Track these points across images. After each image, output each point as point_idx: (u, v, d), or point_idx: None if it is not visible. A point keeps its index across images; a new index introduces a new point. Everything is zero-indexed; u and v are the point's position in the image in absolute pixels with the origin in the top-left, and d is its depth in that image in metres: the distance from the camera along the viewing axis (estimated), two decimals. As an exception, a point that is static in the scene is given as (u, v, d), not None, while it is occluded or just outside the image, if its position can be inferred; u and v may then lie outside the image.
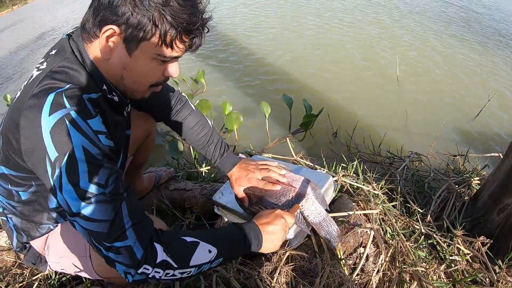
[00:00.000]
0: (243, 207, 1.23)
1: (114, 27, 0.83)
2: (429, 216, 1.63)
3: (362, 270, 1.20)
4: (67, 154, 0.78)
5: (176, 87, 1.49)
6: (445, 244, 1.43)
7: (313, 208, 1.12)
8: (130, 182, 1.65)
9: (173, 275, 0.87)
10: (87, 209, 0.80)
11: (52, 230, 1.14)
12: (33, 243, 1.16)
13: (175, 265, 0.86)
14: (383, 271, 1.23)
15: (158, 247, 0.84)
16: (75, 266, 1.15)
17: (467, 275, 1.34)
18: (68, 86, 0.84)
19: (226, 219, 1.41)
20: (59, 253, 1.15)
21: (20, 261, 1.52)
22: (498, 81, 3.79)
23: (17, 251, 1.20)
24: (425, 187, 1.90)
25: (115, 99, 0.98)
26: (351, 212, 1.28)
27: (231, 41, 5.19)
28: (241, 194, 1.24)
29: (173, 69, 0.95)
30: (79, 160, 0.79)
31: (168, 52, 0.88)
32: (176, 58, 0.93)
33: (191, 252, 0.88)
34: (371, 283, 1.18)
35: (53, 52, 0.93)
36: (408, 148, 2.45)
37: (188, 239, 0.90)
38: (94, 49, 0.90)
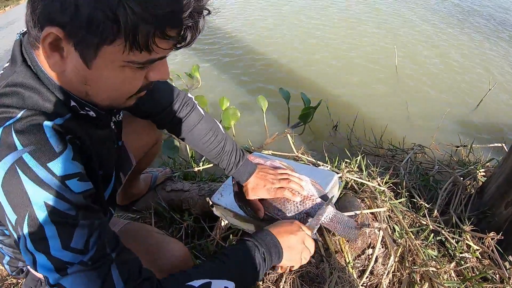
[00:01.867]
0: (246, 211, 1.16)
1: (56, 29, 0.57)
2: (435, 211, 1.57)
3: (371, 272, 1.14)
4: (27, 217, 0.59)
5: (171, 83, 1.27)
6: (454, 240, 1.38)
7: (321, 210, 1.06)
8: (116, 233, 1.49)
9: None
10: (66, 282, 0.62)
11: None
12: (31, 269, 1.00)
13: None
14: (392, 272, 1.17)
15: None
16: None
17: (477, 272, 1.29)
18: (20, 114, 0.62)
19: (225, 221, 1.35)
20: None
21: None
22: (498, 71, 3.74)
23: (13, 275, 1.03)
24: (430, 180, 1.84)
25: (91, 114, 0.73)
26: (358, 212, 1.22)
27: (226, 34, 5.09)
28: (256, 203, 1.13)
29: (161, 71, 0.70)
30: (44, 223, 0.59)
31: (144, 56, 0.62)
32: (160, 59, 0.67)
33: None
34: (381, 286, 1.12)
35: (7, 64, 0.70)
36: (410, 140, 2.40)
37: (196, 283, 0.73)
38: (43, 58, 0.64)
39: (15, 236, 0.62)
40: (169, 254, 0.96)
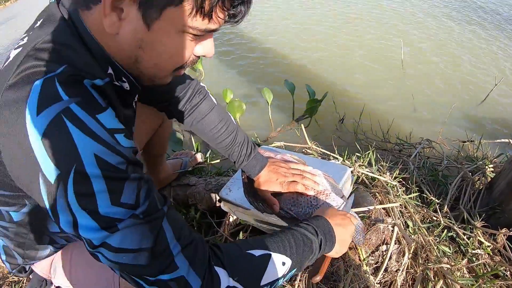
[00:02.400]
0: (257, 206, 1.13)
1: None
2: (446, 207, 1.54)
3: (385, 269, 1.11)
4: (73, 171, 0.53)
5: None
6: (466, 236, 1.35)
7: (334, 204, 1.03)
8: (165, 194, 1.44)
9: None
10: (114, 239, 0.57)
11: (56, 251, 0.93)
12: (36, 268, 0.96)
13: None
14: (406, 269, 1.15)
15: (221, 272, 0.65)
16: None
17: (488, 269, 1.27)
18: (61, 68, 0.57)
19: (234, 217, 1.32)
20: (73, 280, 0.95)
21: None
22: (504, 66, 3.70)
23: (13, 273, 0.96)
24: (439, 175, 1.81)
25: (125, 87, 0.72)
26: (371, 207, 1.19)
27: (230, 27, 5.05)
28: (270, 197, 1.08)
29: (208, 46, 0.70)
30: (93, 177, 0.54)
31: (203, 24, 0.62)
32: (212, 32, 0.67)
33: (263, 270, 0.70)
34: (396, 284, 1.09)
35: (38, 23, 0.65)
36: (416, 135, 2.37)
37: (257, 252, 0.70)
38: (94, 19, 0.62)
39: (47, 201, 0.56)
40: None
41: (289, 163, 1.14)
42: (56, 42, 0.60)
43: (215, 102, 1.12)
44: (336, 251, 0.88)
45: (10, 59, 0.62)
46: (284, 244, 0.75)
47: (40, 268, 0.96)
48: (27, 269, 0.97)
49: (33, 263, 0.94)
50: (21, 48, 0.62)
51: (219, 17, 0.63)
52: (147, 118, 1.17)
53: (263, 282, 0.69)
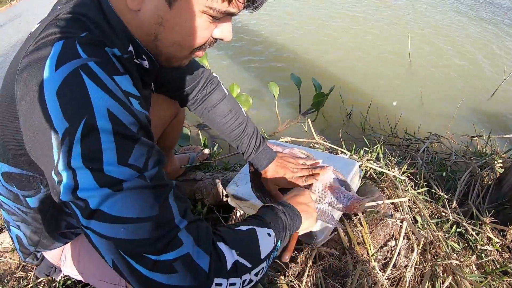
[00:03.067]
0: (264, 201, 1.12)
1: None
2: (454, 202, 1.53)
3: (394, 265, 1.10)
4: (83, 123, 0.50)
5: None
6: (474, 232, 1.34)
7: (342, 196, 1.02)
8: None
9: (250, 280, 0.64)
10: (115, 203, 0.52)
11: (71, 240, 0.93)
12: (47, 254, 0.95)
13: (249, 265, 0.63)
14: (415, 265, 1.14)
15: (223, 247, 0.61)
16: None
17: (497, 266, 1.25)
18: (83, 34, 0.58)
19: (241, 211, 1.31)
20: (81, 269, 0.95)
21: (24, 263, 1.42)
22: (513, 60, 3.65)
23: (26, 261, 0.97)
24: (447, 170, 1.80)
25: (145, 65, 0.72)
26: (380, 202, 1.18)
27: (235, 22, 5.02)
28: (277, 193, 1.08)
29: (226, 30, 0.70)
30: (103, 131, 0.51)
31: (224, 6, 0.63)
32: (231, 15, 0.68)
33: (256, 241, 0.68)
34: (404, 279, 1.08)
35: (63, 2, 0.67)
36: (424, 129, 2.35)
37: (243, 227, 0.69)
38: None
39: (55, 156, 0.52)
40: None
41: (298, 158, 1.13)
42: (79, 13, 0.61)
43: (227, 93, 1.13)
44: (306, 216, 0.88)
45: (33, 30, 0.63)
46: (261, 219, 0.75)
47: (51, 255, 0.97)
48: (38, 256, 0.97)
49: (45, 250, 0.95)
50: (44, 21, 0.62)
51: (239, 0, 0.64)
52: (163, 109, 1.16)
53: (262, 255, 0.68)
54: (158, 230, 0.53)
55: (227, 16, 0.68)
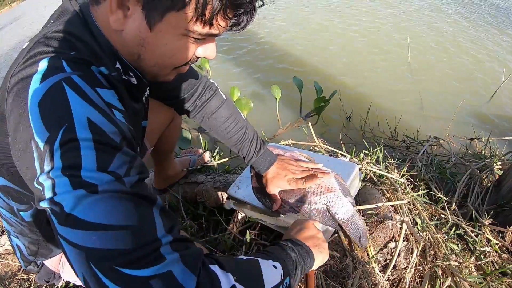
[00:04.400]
0: (265, 204, 1.13)
1: None
2: (454, 204, 1.54)
3: (394, 267, 1.11)
4: (62, 131, 0.49)
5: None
6: (474, 234, 1.35)
7: (341, 204, 1.03)
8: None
9: None
10: (88, 206, 0.47)
11: None
12: (46, 262, 0.97)
13: None
14: (415, 266, 1.15)
15: (218, 270, 0.54)
16: None
17: (496, 267, 1.26)
18: (70, 53, 0.59)
19: (242, 214, 1.32)
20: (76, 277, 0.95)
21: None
22: None
23: (27, 269, 0.98)
24: (447, 173, 1.81)
25: (132, 81, 0.72)
26: (380, 204, 1.19)
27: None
28: (275, 195, 1.09)
29: (210, 49, 0.71)
30: (82, 139, 0.49)
31: (204, 30, 0.62)
32: (214, 36, 0.68)
33: (259, 270, 0.62)
34: (404, 281, 1.09)
35: (52, 19, 0.67)
36: (424, 132, 2.36)
37: (243, 257, 0.65)
38: (102, 15, 0.63)
39: (38, 168, 0.51)
40: None
41: (299, 161, 1.14)
42: (67, 32, 0.62)
43: (225, 98, 1.14)
44: (320, 261, 0.86)
45: (23, 47, 0.63)
46: (266, 252, 0.73)
47: (50, 261, 0.98)
48: (38, 264, 0.98)
49: (48, 264, 0.97)
50: (33, 39, 0.63)
51: (220, 25, 0.64)
52: (159, 114, 1.17)
53: (266, 286, 0.62)
54: (136, 241, 0.47)
55: (210, 36, 0.67)
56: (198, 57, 0.72)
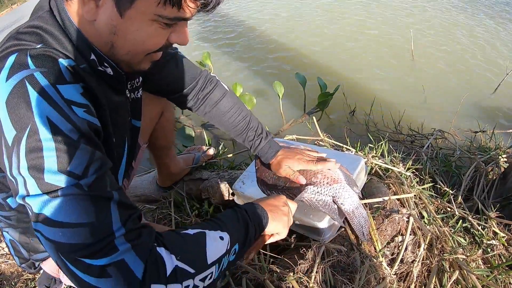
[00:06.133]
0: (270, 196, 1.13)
1: None
2: (460, 197, 1.53)
3: (401, 261, 1.10)
4: (28, 130, 0.55)
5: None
6: (480, 227, 1.34)
7: (347, 195, 1.03)
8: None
9: (195, 286, 0.62)
10: (53, 208, 0.55)
11: None
12: (44, 266, 0.98)
13: (192, 271, 0.62)
14: (422, 260, 1.14)
15: (164, 252, 0.60)
16: None
17: (503, 260, 1.26)
18: (38, 46, 0.63)
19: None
20: None
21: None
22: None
23: (22, 267, 0.98)
24: (452, 166, 1.80)
25: (108, 72, 0.75)
26: (386, 198, 1.18)
27: (238, 21, 5.03)
28: (288, 175, 1.08)
29: (180, 35, 0.72)
30: (43, 139, 0.55)
31: (173, 12, 0.64)
32: (185, 20, 0.69)
33: (203, 246, 0.66)
34: (412, 274, 1.09)
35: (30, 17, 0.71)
36: (428, 125, 2.36)
37: (191, 231, 0.68)
38: (75, 8, 0.66)
39: (7, 163, 0.57)
40: None
41: (304, 150, 1.14)
42: (37, 27, 0.66)
43: (227, 89, 1.15)
44: (275, 218, 0.87)
45: None
46: (215, 222, 0.74)
47: (48, 266, 0.98)
48: (36, 266, 0.98)
49: (40, 258, 0.96)
50: (7, 34, 0.67)
51: (189, 6, 0.65)
52: (146, 108, 1.15)
53: (209, 260, 0.66)
54: (93, 236, 0.55)
55: (181, 21, 0.69)
56: (171, 44, 0.74)
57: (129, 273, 0.55)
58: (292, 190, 1.07)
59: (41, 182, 0.55)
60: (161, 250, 0.60)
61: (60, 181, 0.55)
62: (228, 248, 0.70)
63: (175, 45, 0.81)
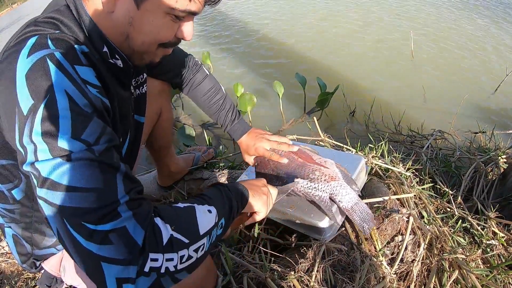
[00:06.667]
0: None
1: None
2: (459, 197, 1.54)
3: (401, 260, 1.11)
4: (46, 100, 0.58)
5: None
6: (480, 227, 1.35)
7: (345, 192, 1.03)
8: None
9: (189, 257, 0.65)
10: (62, 172, 0.57)
11: None
12: (45, 265, 0.98)
13: (186, 240, 0.64)
14: (422, 260, 1.15)
15: (160, 222, 0.62)
16: None
17: (503, 260, 1.26)
18: (56, 32, 0.67)
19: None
20: (83, 277, 0.95)
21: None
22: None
23: (23, 267, 0.98)
24: (451, 166, 1.81)
25: (119, 64, 0.81)
26: (386, 198, 1.19)
27: (236, 21, 5.04)
28: (250, 163, 1.27)
29: (187, 29, 0.79)
30: (61, 108, 0.58)
31: (184, 5, 0.71)
32: (192, 15, 0.77)
33: (194, 217, 0.69)
34: (411, 274, 1.09)
35: (46, 10, 0.76)
36: (428, 126, 2.36)
37: (181, 205, 0.71)
38: (93, 3, 0.73)
39: (19, 133, 0.60)
40: None
41: (271, 135, 1.26)
42: (54, 18, 0.71)
43: (208, 73, 1.32)
44: (256, 195, 0.93)
45: (17, 30, 0.71)
46: (202, 198, 0.77)
47: (49, 265, 0.98)
48: (37, 265, 0.98)
49: (41, 254, 0.96)
50: (26, 23, 0.71)
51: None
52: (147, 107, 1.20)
53: (201, 231, 0.69)
54: (99, 201, 0.57)
55: (189, 15, 0.76)
56: (180, 39, 0.81)
57: (130, 240, 0.57)
58: (288, 182, 1.09)
59: (53, 147, 0.57)
60: (158, 220, 0.62)
61: (73, 146, 0.58)
62: (216, 221, 0.74)
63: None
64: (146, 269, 0.58)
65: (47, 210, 0.58)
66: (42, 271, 1.01)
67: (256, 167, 1.22)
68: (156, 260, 0.59)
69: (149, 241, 0.59)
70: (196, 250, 0.66)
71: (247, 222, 0.99)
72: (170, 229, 0.63)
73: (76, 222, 0.56)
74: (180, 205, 0.71)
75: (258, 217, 0.97)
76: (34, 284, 1.35)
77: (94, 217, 0.56)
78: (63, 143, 0.57)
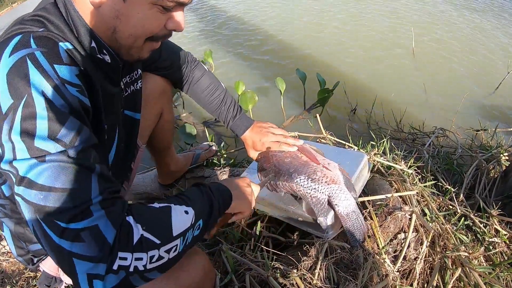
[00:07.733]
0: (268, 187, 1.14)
1: None
2: (461, 195, 1.54)
3: (404, 258, 1.10)
4: (25, 100, 0.59)
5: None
6: (482, 225, 1.34)
7: (343, 197, 1.02)
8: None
9: (160, 257, 0.65)
10: (38, 171, 0.58)
11: None
12: (44, 265, 0.99)
13: (157, 241, 0.64)
14: (424, 257, 1.14)
15: (131, 221, 0.63)
16: None
17: (506, 258, 1.26)
18: (41, 30, 0.68)
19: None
20: None
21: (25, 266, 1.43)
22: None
23: (18, 260, 1.00)
24: (453, 164, 1.80)
25: (106, 60, 0.80)
26: (389, 195, 1.18)
27: (239, 19, 5.03)
28: (255, 158, 1.24)
29: (177, 20, 0.78)
30: (38, 109, 0.60)
31: None
32: (181, 6, 0.76)
33: (168, 218, 0.69)
34: (414, 272, 1.09)
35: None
36: (429, 123, 2.35)
37: (157, 205, 0.71)
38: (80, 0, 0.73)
39: None
40: (192, 267, 0.87)
41: (276, 129, 1.24)
42: (40, 16, 0.72)
43: (206, 69, 1.31)
44: (239, 196, 0.93)
45: (5, 28, 0.72)
46: (181, 198, 0.76)
47: (47, 266, 0.99)
48: (34, 261, 0.99)
49: (35, 249, 0.96)
50: (14, 21, 0.72)
51: None
52: (145, 110, 1.20)
53: (174, 232, 0.68)
54: (72, 201, 0.58)
55: (178, 6, 0.76)
56: (170, 32, 0.81)
57: (101, 238, 0.58)
58: (289, 186, 1.07)
59: (31, 146, 0.59)
60: (130, 219, 0.63)
61: (49, 147, 0.59)
62: (192, 222, 0.73)
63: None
64: (115, 267, 0.59)
65: (24, 208, 0.60)
66: (41, 270, 1.01)
67: (259, 161, 1.21)
68: (125, 259, 0.60)
69: (119, 240, 0.60)
70: (168, 251, 0.67)
71: (230, 220, 0.98)
72: (140, 229, 0.63)
73: (50, 220, 0.58)
74: (156, 205, 0.71)
75: (242, 216, 0.97)
76: (35, 283, 1.35)
77: (66, 216, 0.58)
78: (39, 143, 0.59)
